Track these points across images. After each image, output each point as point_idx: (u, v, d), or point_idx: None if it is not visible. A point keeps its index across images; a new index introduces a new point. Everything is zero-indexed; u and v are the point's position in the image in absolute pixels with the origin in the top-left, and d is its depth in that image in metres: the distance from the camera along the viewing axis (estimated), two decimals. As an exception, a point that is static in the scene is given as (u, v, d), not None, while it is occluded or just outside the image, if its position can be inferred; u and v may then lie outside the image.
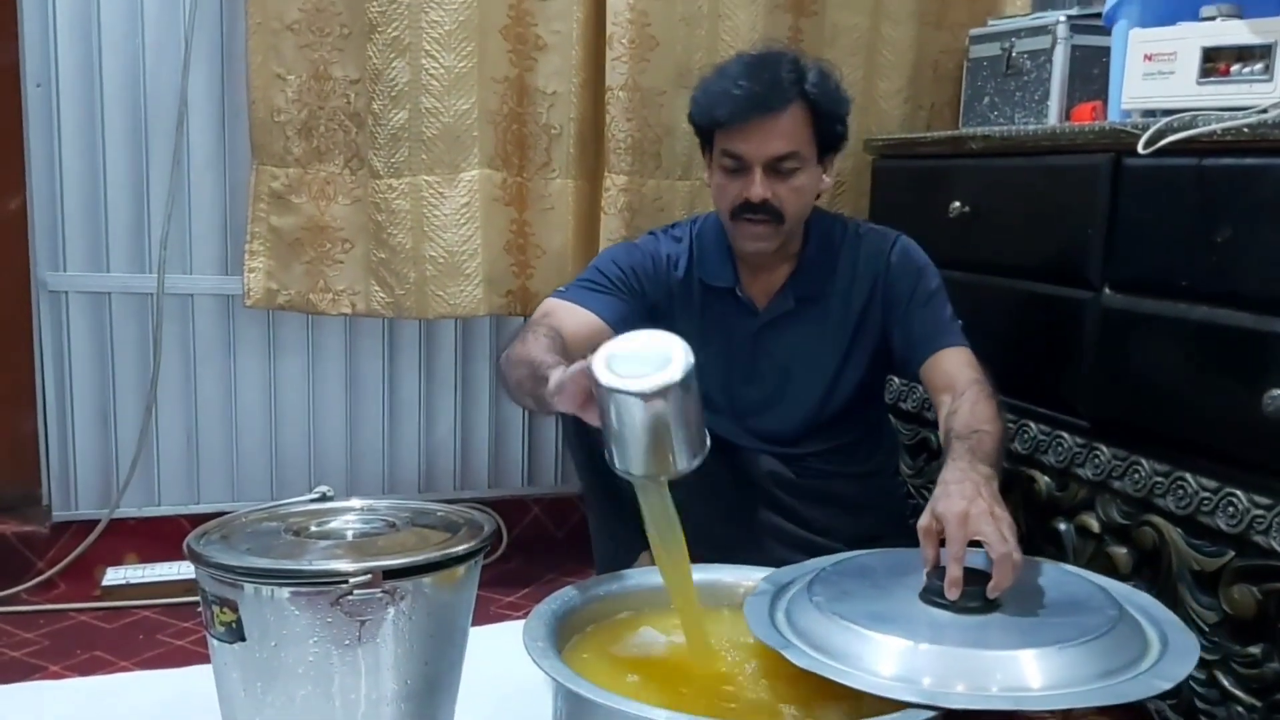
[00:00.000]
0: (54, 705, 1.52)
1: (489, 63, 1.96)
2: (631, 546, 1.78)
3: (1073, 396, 1.64)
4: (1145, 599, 1.29)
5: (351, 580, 1.11)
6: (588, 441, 1.74)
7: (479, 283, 2.00)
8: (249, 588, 1.14)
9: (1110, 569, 1.57)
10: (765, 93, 1.57)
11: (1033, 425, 1.73)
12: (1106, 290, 1.58)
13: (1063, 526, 1.67)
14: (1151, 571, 1.51)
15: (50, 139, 1.90)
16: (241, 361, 2.06)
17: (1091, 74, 1.91)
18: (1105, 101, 1.78)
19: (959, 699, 1.04)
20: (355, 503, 1.39)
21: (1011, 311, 1.78)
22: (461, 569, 1.22)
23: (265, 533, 1.27)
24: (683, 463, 1.16)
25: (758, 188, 1.60)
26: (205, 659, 1.51)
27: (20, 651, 1.68)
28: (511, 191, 2.03)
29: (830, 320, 1.72)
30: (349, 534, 1.31)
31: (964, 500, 1.22)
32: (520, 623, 1.76)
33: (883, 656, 1.09)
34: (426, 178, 1.95)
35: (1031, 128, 1.78)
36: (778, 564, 1.39)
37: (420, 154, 1.94)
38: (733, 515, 1.76)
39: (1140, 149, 1.44)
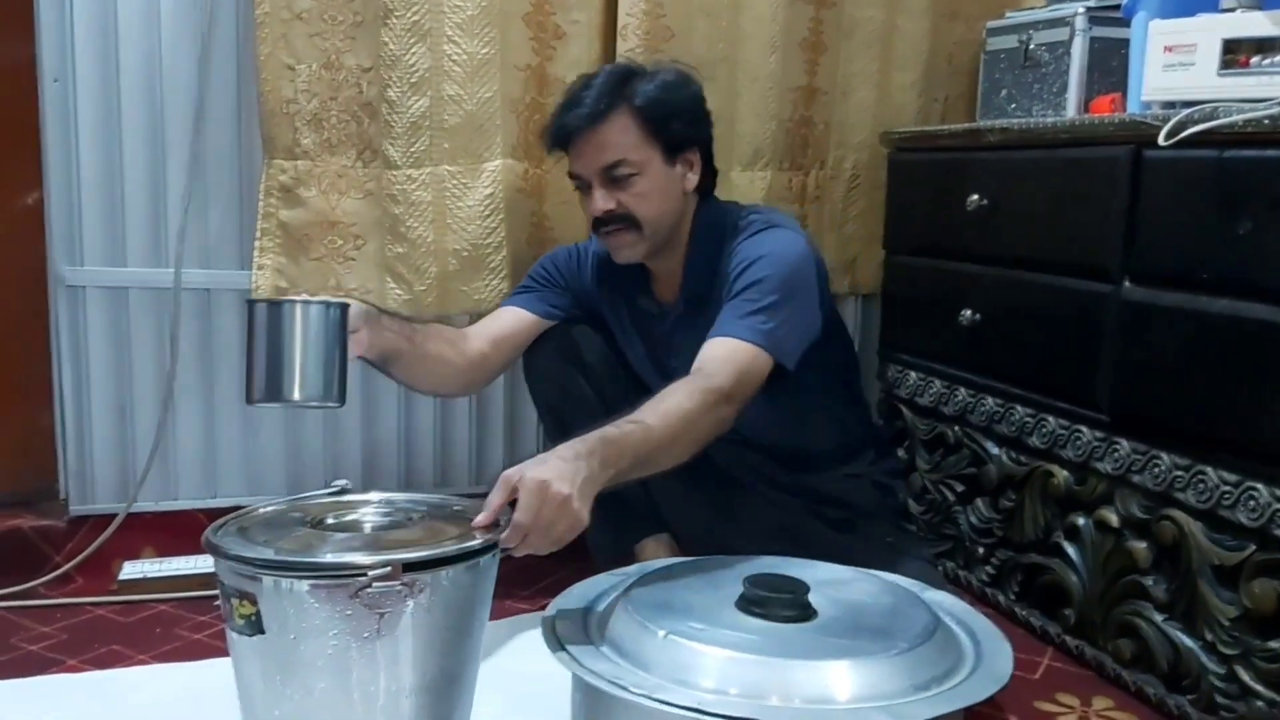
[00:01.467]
0: (72, 699, 1.52)
1: (510, 50, 1.96)
2: (629, 538, 1.79)
3: (1092, 390, 1.63)
4: (963, 608, 1.32)
5: (371, 573, 1.11)
6: (570, 433, 1.75)
7: (504, 276, 1.99)
8: (268, 580, 1.13)
9: (1130, 564, 1.57)
10: (580, 111, 1.64)
11: (1051, 419, 1.72)
12: (1126, 283, 1.58)
13: (1081, 521, 1.66)
14: (1171, 566, 1.51)
15: (67, 134, 1.91)
16: (258, 356, 2.06)
17: (1110, 66, 1.89)
18: (1124, 94, 1.77)
19: (769, 711, 1.05)
20: (374, 496, 1.39)
21: (1030, 305, 1.77)
22: (480, 562, 1.22)
23: (283, 525, 1.27)
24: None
25: (597, 201, 1.66)
26: (222, 653, 1.51)
27: (38, 645, 1.69)
28: (532, 182, 2.03)
29: (715, 318, 1.66)
30: (367, 527, 1.31)
31: (558, 479, 1.21)
32: (536, 616, 1.78)
33: (694, 666, 1.10)
34: (449, 167, 1.94)
35: (1051, 120, 1.77)
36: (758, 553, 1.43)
37: (442, 143, 1.93)
38: (714, 506, 1.78)
39: (1161, 141, 1.43)
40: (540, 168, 2.03)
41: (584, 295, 1.84)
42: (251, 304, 1.32)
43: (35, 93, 1.91)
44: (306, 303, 1.31)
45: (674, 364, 1.77)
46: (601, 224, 1.68)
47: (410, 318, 1.65)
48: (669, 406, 1.42)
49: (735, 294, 1.61)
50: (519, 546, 1.21)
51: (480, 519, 1.22)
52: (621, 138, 1.64)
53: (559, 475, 1.22)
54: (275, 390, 1.29)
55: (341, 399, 1.33)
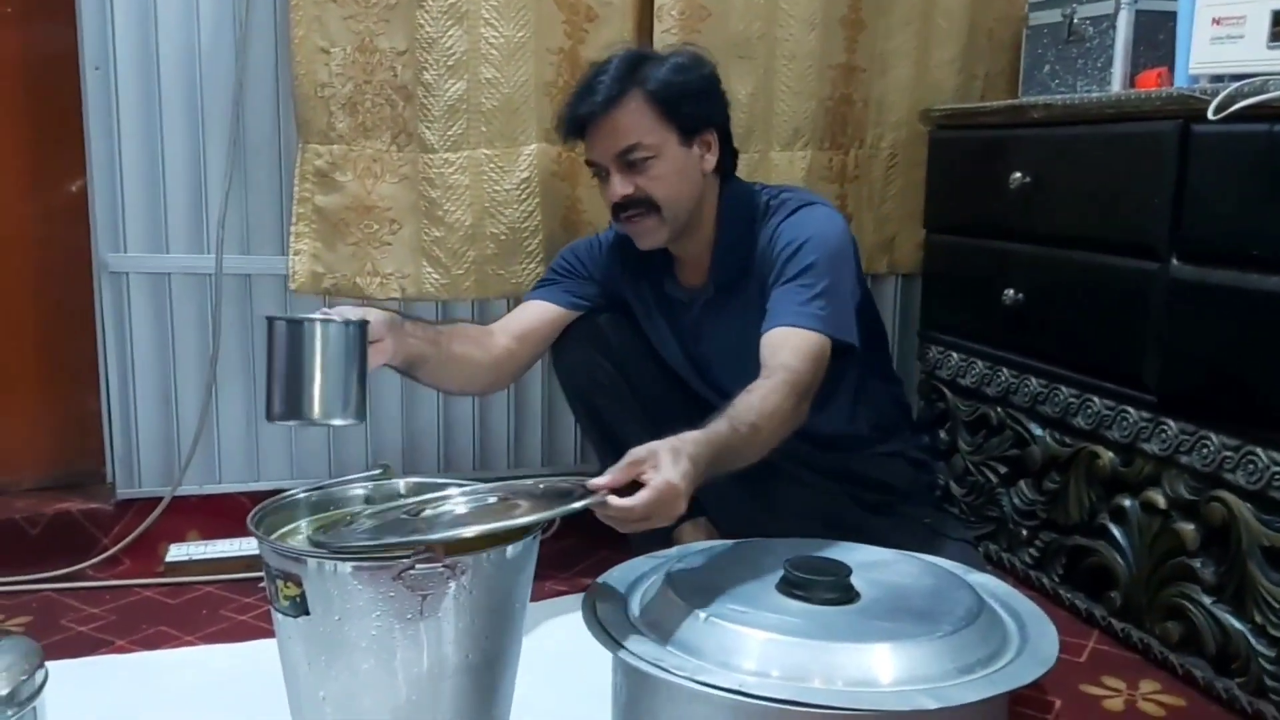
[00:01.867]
0: (121, 679, 1.54)
1: (544, 33, 1.95)
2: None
3: (1139, 370, 1.61)
4: (1006, 590, 1.30)
5: (413, 555, 1.12)
6: (600, 418, 1.80)
7: (541, 260, 1.99)
8: (312, 563, 1.14)
9: (1177, 546, 1.54)
10: (593, 98, 1.63)
11: (1096, 400, 1.70)
12: (1174, 261, 1.55)
13: (1127, 503, 1.64)
14: (1220, 549, 1.48)
15: (109, 122, 1.93)
16: (298, 340, 2.08)
17: (1156, 39, 1.86)
18: (1171, 68, 1.74)
19: (811, 693, 1.03)
20: (465, 484, 1.39)
21: (1075, 284, 1.75)
22: (521, 544, 1.22)
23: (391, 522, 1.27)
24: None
25: (615, 186, 1.65)
26: (267, 634, 1.53)
27: (87, 626, 1.72)
28: (566, 166, 2.02)
29: (754, 302, 1.67)
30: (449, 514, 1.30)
31: (685, 487, 1.21)
32: (575, 598, 1.78)
33: (736, 648, 1.09)
34: (486, 151, 1.94)
35: (1096, 95, 1.74)
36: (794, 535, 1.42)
37: (479, 126, 1.92)
38: (752, 490, 1.76)
39: (1210, 115, 1.40)
40: (574, 151, 2.02)
41: (609, 284, 1.83)
42: (270, 321, 1.32)
43: (77, 81, 1.93)
44: (325, 321, 1.31)
45: (702, 349, 1.77)
46: (621, 209, 1.66)
47: (434, 322, 1.64)
48: (769, 408, 1.40)
49: (788, 279, 1.60)
50: (615, 521, 1.21)
51: (599, 482, 1.21)
52: (635, 121, 1.63)
53: (687, 482, 1.21)
54: (295, 408, 1.29)
55: (361, 416, 1.32)
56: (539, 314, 1.79)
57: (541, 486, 1.33)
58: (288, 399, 1.30)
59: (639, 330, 1.84)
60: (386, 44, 1.92)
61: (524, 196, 1.97)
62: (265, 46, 1.96)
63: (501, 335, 1.74)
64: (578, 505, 1.17)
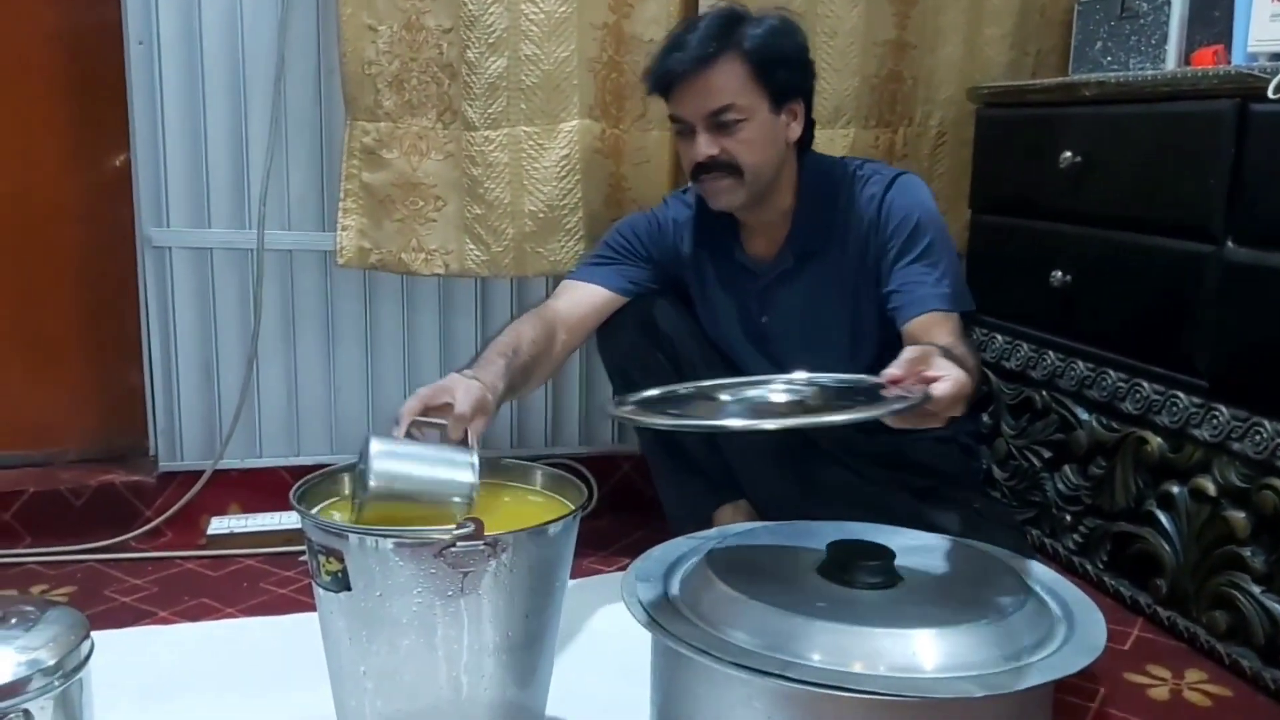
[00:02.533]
0: (165, 649, 1.56)
1: (588, 8, 1.93)
2: (705, 504, 1.78)
3: (1190, 355, 1.58)
4: (1053, 577, 1.27)
5: (455, 532, 1.12)
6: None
7: (580, 238, 1.98)
8: (354, 538, 1.15)
9: (1228, 534, 1.52)
10: (690, 53, 1.59)
11: (1145, 384, 1.67)
12: (1230, 243, 1.51)
13: (1176, 490, 1.61)
14: (1271, 537, 1.45)
15: (153, 96, 1.93)
16: (339, 316, 2.09)
17: (1213, 16, 1.81)
18: (1228, 45, 1.70)
19: (853, 679, 1.02)
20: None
21: (1126, 266, 1.71)
22: (562, 522, 1.22)
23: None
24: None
25: (701, 146, 1.62)
26: (306, 607, 1.54)
27: (130, 597, 1.74)
28: (609, 143, 2.00)
29: (836, 274, 1.69)
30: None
31: (955, 382, 1.23)
32: (614, 576, 1.78)
33: (777, 631, 1.08)
34: (526, 128, 1.93)
35: (1150, 73, 1.70)
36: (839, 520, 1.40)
37: (519, 103, 1.91)
38: (795, 473, 1.75)
39: (1270, 94, 1.37)
40: (618, 128, 2.00)
41: (666, 262, 1.80)
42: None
43: (121, 56, 1.94)
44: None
45: (770, 320, 1.74)
46: (703, 170, 1.64)
47: (507, 352, 1.54)
48: (972, 363, 1.37)
49: (913, 258, 1.61)
50: (922, 417, 1.24)
51: (893, 373, 1.24)
52: (729, 82, 1.59)
53: (956, 381, 1.23)
54: None
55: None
56: (591, 300, 1.75)
57: (826, 384, 1.36)
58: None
59: (690, 316, 1.81)
60: (433, 22, 1.91)
61: (564, 174, 1.96)
62: (308, 23, 1.96)
63: (561, 331, 1.69)
64: (914, 400, 1.19)
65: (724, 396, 1.37)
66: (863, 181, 1.69)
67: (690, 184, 1.72)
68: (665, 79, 1.63)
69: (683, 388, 1.46)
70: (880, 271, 1.65)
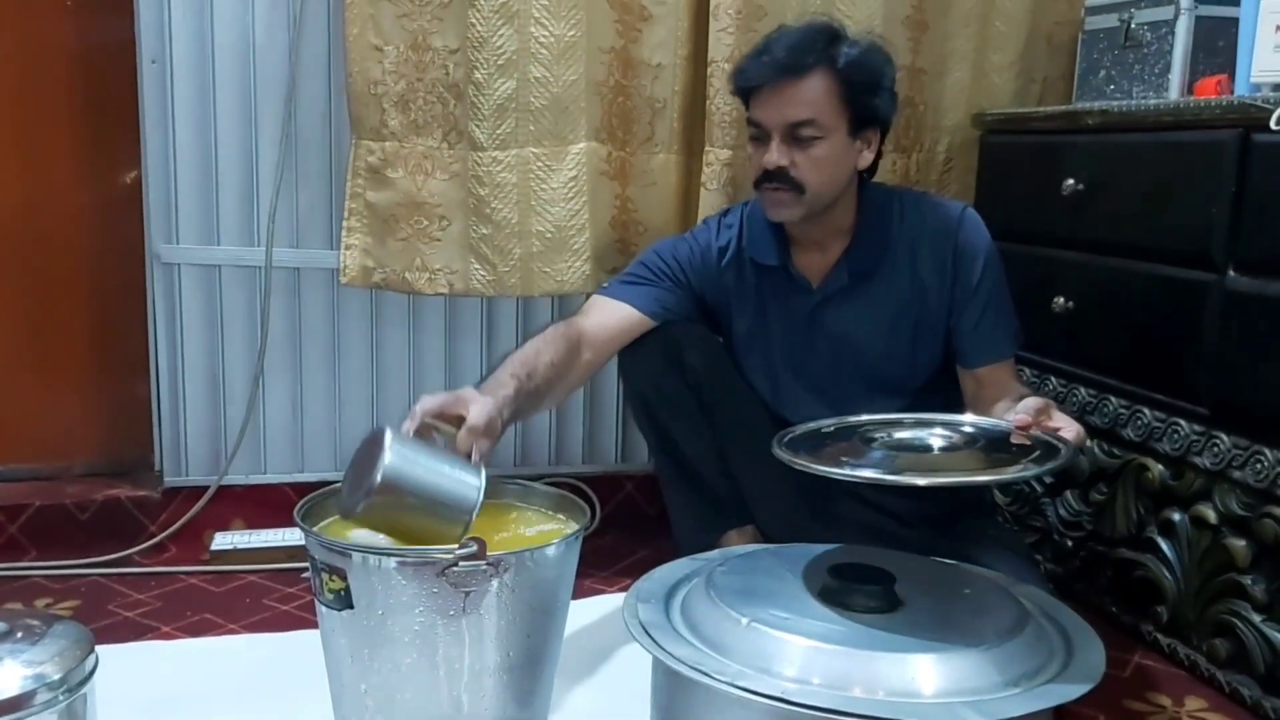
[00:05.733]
0: (167, 664, 1.56)
1: (595, 32, 1.94)
2: (714, 527, 1.77)
3: (1191, 382, 1.58)
4: (1053, 603, 1.28)
5: (457, 551, 1.12)
6: (659, 424, 1.75)
7: (586, 258, 1.99)
8: (357, 556, 1.15)
9: (1228, 562, 1.52)
10: (785, 59, 1.58)
11: (1147, 411, 1.67)
12: (1231, 272, 1.52)
13: (1177, 517, 1.62)
14: (1271, 566, 1.46)
15: (164, 114, 1.95)
16: (345, 334, 2.10)
17: (1216, 46, 1.82)
18: (1231, 75, 1.71)
19: (852, 703, 1.02)
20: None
21: (1128, 293, 1.72)
22: (564, 543, 1.23)
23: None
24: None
25: (772, 154, 1.60)
26: (309, 624, 1.55)
27: (134, 612, 1.74)
28: (616, 166, 2.02)
29: (892, 296, 1.69)
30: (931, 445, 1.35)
31: (1079, 433, 1.34)
32: (615, 597, 1.78)
33: (777, 654, 1.08)
34: (534, 150, 1.94)
35: (1153, 102, 1.71)
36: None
37: (528, 125, 1.92)
38: (807, 500, 1.74)
39: (1273, 124, 1.38)
40: (624, 150, 2.02)
41: (703, 287, 1.76)
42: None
43: (134, 74, 1.96)
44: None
45: (817, 339, 1.72)
46: (766, 179, 1.62)
47: (528, 364, 1.52)
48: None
49: (988, 294, 1.66)
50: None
51: (1022, 420, 1.33)
52: (816, 97, 1.58)
53: (1072, 425, 1.35)
54: None
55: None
56: (620, 320, 1.70)
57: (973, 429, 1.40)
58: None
59: (719, 349, 1.77)
60: (439, 42, 1.93)
61: (570, 195, 1.97)
62: (319, 43, 1.98)
63: (586, 350, 1.65)
64: (1068, 457, 1.27)
65: (876, 435, 1.38)
66: (929, 209, 1.70)
67: (757, 191, 1.68)
68: (753, 82, 1.61)
69: (826, 424, 1.46)
70: (955, 302, 1.67)
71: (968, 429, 1.39)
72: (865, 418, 1.46)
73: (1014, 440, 1.32)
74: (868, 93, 1.61)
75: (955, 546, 1.58)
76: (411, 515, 1.19)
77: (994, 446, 1.33)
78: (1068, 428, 1.33)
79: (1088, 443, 1.79)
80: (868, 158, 1.66)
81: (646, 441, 1.88)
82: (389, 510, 1.18)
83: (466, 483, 1.22)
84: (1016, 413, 1.34)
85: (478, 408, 1.33)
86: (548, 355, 1.56)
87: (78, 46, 2.05)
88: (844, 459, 1.31)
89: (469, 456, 1.29)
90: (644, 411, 1.77)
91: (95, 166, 2.09)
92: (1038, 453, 1.27)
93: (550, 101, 1.92)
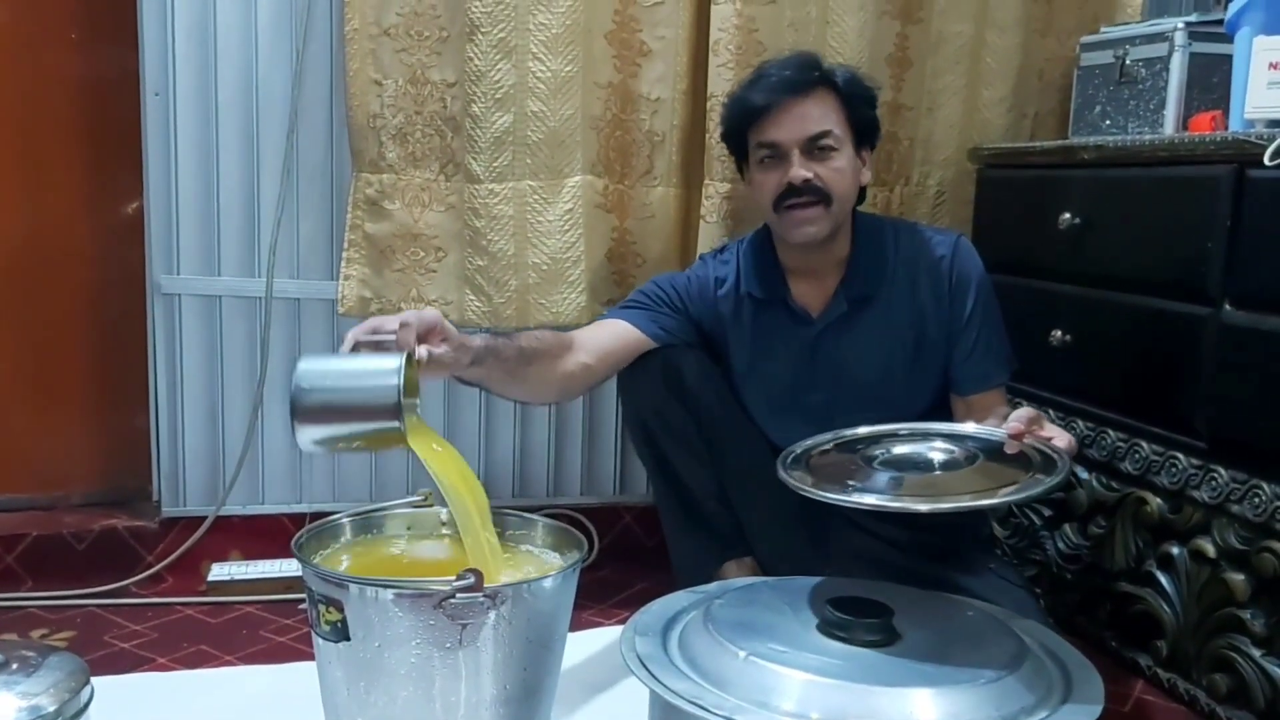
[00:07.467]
0: (164, 696, 1.56)
1: (593, 67, 1.96)
2: (712, 559, 1.77)
3: (1189, 416, 1.59)
4: (1053, 638, 1.28)
5: (454, 584, 1.12)
6: (658, 450, 1.75)
7: (582, 290, 2.00)
8: (354, 588, 1.15)
9: (1227, 596, 1.51)
10: (793, 77, 1.66)
11: (1145, 445, 1.68)
12: (1227, 306, 1.53)
13: (1175, 551, 1.61)
14: (1271, 600, 1.45)
15: (167, 146, 1.96)
16: (344, 365, 2.10)
17: (1210, 83, 1.84)
18: (1226, 111, 1.72)
19: None
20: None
21: (1125, 327, 1.73)
22: (561, 575, 1.22)
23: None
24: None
25: (797, 168, 1.64)
26: (306, 656, 1.54)
27: (130, 643, 1.73)
28: (613, 199, 2.03)
29: (891, 321, 1.72)
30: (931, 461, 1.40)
31: (1071, 442, 1.42)
32: (613, 630, 1.78)
33: (775, 688, 1.09)
34: (530, 183, 1.95)
35: (1148, 137, 1.72)
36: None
37: (524, 158, 1.94)
38: (806, 532, 1.74)
39: (1267, 160, 1.39)
40: (622, 184, 2.03)
41: (702, 318, 1.77)
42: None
43: (137, 106, 1.97)
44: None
45: (818, 368, 1.73)
46: (791, 195, 1.64)
47: (513, 333, 1.58)
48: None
49: (982, 322, 1.71)
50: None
51: (1015, 429, 1.37)
52: (828, 111, 1.66)
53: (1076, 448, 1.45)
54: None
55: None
56: (622, 336, 1.72)
57: (969, 441, 1.43)
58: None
59: (718, 375, 1.78)
60: (437, 76, 1.95)
61: (566, 227, 1.98)
62: (321, 77, 2.00)
63: (580, 351, 1.66)
64: (1064, 474, 1.29)
65: (875, 451, 1.42)
66: (924, 237, 1.74)
67: (772, 216, 1.70)
68: (766, 99, 1.66)
69: (825, 439, 1.49)
70: (949, 332, 1.71)
71: (965, 439, 1.43)
72: (864, 430, 1.49)
73: (1008, 449, 1.36)
74: (867, 106, 1.71)
75: (955, 578, 1.58)
76: (344, 423, 1.19)
77: (992, 461, 1.36)
78: (1059, 437, 1.39)
79: (1086, 476, 1.79)
80: (867, 175, 1.74)
81: (645, 467, 1.88)
82: (323, 426, 1.20)
83: (383, 369, 1.19)
84: (1010, 421, 1.38)
85: (412, 313, 1.34)
86: (530, 337, 1.61)
87: (82, 78, 2.07)
88: (848, 482, 1.32)
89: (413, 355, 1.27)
90: (643, 437, 1.78)
91: (97, 197, 2.11)
92: (1035, 469, 1.30)
93: (547, 135, 1.94)
